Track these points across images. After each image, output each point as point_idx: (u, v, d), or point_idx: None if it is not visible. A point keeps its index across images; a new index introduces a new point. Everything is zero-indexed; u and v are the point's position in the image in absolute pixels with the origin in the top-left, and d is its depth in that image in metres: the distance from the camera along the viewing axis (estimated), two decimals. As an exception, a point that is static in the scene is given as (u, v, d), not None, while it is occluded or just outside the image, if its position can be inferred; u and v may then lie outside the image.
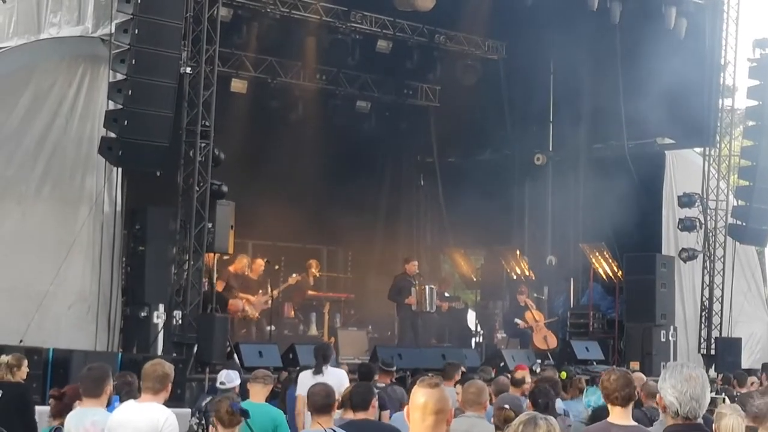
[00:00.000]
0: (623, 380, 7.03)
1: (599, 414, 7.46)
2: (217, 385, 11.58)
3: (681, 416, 5.62)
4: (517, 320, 24.91)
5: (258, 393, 10.75)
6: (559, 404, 11.76)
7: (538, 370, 20.94)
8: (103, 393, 8.74)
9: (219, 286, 22.03)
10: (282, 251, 25.84)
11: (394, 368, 15.68)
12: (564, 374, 15.33)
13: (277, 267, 24.66)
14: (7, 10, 18.65)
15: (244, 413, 8.46)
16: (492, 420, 8.97)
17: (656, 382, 6.85)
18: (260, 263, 23.45)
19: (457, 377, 14.50)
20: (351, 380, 13.89)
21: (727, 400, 11.82)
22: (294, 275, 24.41)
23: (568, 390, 14.07)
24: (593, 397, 9.50)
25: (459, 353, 22.05)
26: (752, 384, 19.49)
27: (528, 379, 14.33)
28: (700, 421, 5.66)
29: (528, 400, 10.83)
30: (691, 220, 24.61)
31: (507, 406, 8.96)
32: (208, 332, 17.51)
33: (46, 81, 17.89)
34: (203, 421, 10.33)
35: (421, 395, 5.46)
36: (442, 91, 29.35)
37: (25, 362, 12.36)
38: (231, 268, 22.85)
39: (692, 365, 5.75)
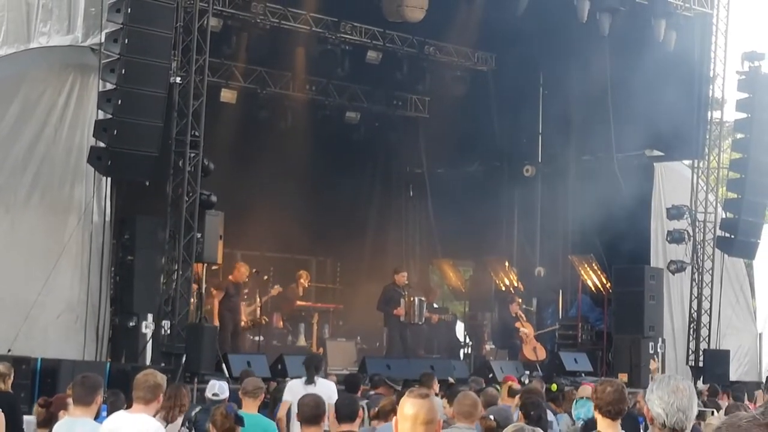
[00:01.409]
0: (618, 394, 7.03)
1: (592, 427, 7.46)
2: (210, 396, 11.54)
3: (668, 428, 5.61)
4: (518, 326, 24.87)
5: (249, 404, 10.78)
6: (549, 416, 11.76)
7: (527, 381, 20.96)
8: (94, 402, 8.71)
9: (218, 296, 22.05)
10: (271, 261, 25.85)
11: (399, 387, 15.61)
12: (554, 386, 15.35)
13: (266, 278, 24.66)
14: (-3, 19, 18.62)
15: (239, 420, 8.46)
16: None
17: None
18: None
19: (435, 387, 14.51)
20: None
21: (715, 412, 11.83)
22: (276, 286, 24.38)
23: (562, 403, 14.08)
24: (583, 409, 9.51)
25: (448, 364, 22.09)
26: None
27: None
28: (687, 432, 5.67)
29: (519, 412, 10.85)
30: (679, 232, 24.65)
31: (491, 417, 8.98)
32: (196, 342, 17.50)
33: (36, 90, 17.87)
34: (193, 431, 10.33)
35: (410, 406, 5.45)
36: (432, 102, 29.40)
37: (13, 371, 12.36)
38: (231, 277, 22.90)
39: (679, 377, 5.75)
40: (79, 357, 17.08)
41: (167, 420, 11.06)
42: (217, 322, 22.05)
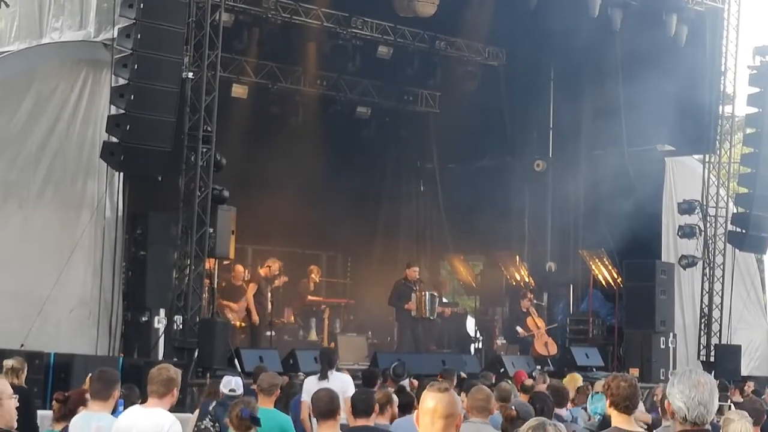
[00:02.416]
0: (633, 388, 7.07)
1: (610, 422, 7.51)
2: (227, 392, 11.55)
3: (689, 422, 5.62)
4: (518, 328, 24.88)
5: (265, 400, 10.80)
6: (568, 411, 11.74)
7: (538, 376, 20.97)
8: (111, 397, 8.73)
9: (252, 289, 22.07)
10: (282, 257, 25.81)
11: (405, 377, 15.67)
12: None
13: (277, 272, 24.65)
14: (9, 15, 18.65)
15: (255, 421, 8.47)
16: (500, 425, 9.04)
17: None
18: (240, 269, 23.35)
19: (453, 382, 14.52)
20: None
21: (732, 406, 11.83)
22: (282, 277, 24.38)
23: (575, 397, 14.07)
24: (599, 404, 9.49)
25: (459, 359, 22.13)
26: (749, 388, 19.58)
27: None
28: (708, 426, 5.67)
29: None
30: (690, 227, 24.62)
31: (513, 407, 9.02)
32: (209, 337, 17.53)
33: (48, 85, 17.90)
34: (217, 424, 10.37)
35: (430, 399, 5.51)
36: (443, 97, 29.38)
37: (26, 366, 12.39)
38: (261, 272, 22.89)
39: (700, 371, 5.75)
40: (92, 352, 17.12)
41: None
42: (255, 317, 22.08)
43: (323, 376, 13.69)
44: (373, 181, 29.11)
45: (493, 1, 23.55)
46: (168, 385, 8.34)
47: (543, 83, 27.55)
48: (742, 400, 17.05)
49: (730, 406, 12.32)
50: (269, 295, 23.56)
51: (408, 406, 10.93)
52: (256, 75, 25.75)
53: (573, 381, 14.52)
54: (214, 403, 11.12)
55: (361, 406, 9.00)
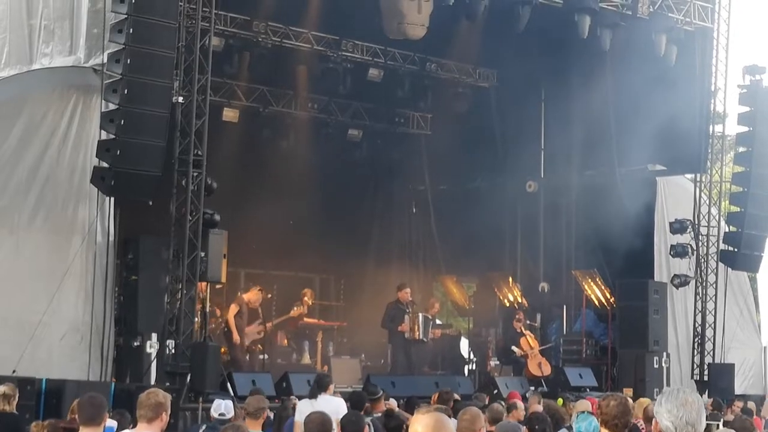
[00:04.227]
0: (623, 407, 7.06)
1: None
2: (216, 416, 11.53)
3: (676, 441, 5.61)
4: (514, 348, 24.88)
5: (252, 424, 10.79)
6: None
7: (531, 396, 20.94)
8: (102, 422, 8.70)
9: (233, 310, 22.08)
10: (274, 280, 25.84)
11: (380, 394, 15.65)
12: (560, 401, 15.35)
13: (269, 295, 24.65)
14: (-1, 41, 18.68)
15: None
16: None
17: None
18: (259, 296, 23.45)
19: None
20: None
21: (721, 425, 11.82)
22: (295, 308, 24.43)
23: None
24: (584, 423, 9.48)
25: (452, 381, 22.08)
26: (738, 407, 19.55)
27: (520, 404, 14.40)
28: (696, 446, 5.65)
29: (524, 427, 10.89)
30: (683, 246, 24.62)
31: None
32: (201, 361, 17.47)
33: (39, 111, 17.90)
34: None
35: (415, 422, 5.55)
36: (434, 119, 29.43)
37: (17, 392, 12.36)
38: (245, 296, 22.87)
39: (688, 390, 5.73)
40: (84, 377, 17.07)
41: None
42: (237, 336, 22.08)
43: (312, 396, 13.74)
44: (365, 204, 29.13)
45: (483, 23, 23.56)
46: (156, 409, 8.29)
47: (534, 104, 27.57)
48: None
49: (718, 425, 12.30)
50: (263, 319, 23.55)
51: (397, 429, 10.93)
52: (247, 99, 25.80)
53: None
54: (204, 427, 11.11)
55: (350, 428, 9.00)
